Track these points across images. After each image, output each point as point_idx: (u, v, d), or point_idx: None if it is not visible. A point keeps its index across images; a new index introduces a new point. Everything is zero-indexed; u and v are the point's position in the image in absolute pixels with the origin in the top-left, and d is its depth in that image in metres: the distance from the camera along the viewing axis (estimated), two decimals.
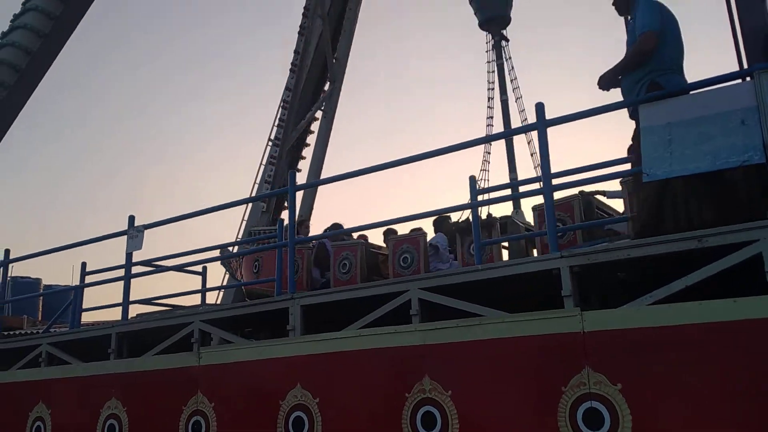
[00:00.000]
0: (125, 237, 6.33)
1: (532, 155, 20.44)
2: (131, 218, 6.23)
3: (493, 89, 21.20)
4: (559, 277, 4.03)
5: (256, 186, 12.88)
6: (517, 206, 11.29)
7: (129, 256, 6.19)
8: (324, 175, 13.20)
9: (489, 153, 21.54)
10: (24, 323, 14.67)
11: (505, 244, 6.86)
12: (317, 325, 5.05)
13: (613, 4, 4.66)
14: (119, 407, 5.54)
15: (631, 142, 4.40)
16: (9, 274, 8.06)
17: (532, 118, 4.43)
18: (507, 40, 19.45)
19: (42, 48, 12.31)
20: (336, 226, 7.41)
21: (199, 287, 7.52)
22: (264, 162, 13.41)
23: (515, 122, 20.50)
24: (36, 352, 6.55)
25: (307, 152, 13.60)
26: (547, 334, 3.92)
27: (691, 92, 3.95)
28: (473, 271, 4.41)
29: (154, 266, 7.17)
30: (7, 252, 7.38)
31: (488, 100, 21.24)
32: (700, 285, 3.64)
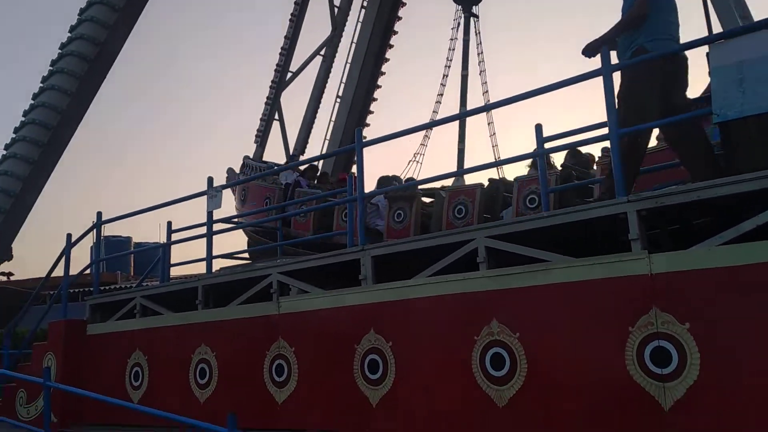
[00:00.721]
0: (206, 197, 6.71)
1: (492, 135, 18.78)
2: (210, 179, 6.60)
3: (449, 67, 18.81)
4: (625, 221, 4.06)
5: (325, 146, 13.31)
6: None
7: (210, 214, 6.58)
8: (320, 114, 13.90)
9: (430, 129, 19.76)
10: (118, 278, 15.77)
11: None
12: (388, 275, 5.28)
13: None
14: (209, 353, 6.00)
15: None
16: (102, 234, 8.66)
17: (494, 94, 4.44)
18: (476, 17, 17.99)
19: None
20: (384, 180, 7.81)
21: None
22: (333, 119, 13.76)
23: (475, 98, 18.46)
24: (131, 305, 7.11)
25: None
26: (614, 277, 3.98)
27: (761, 30, 3.83)
28: (539, 218, 4.48)
29: (233, 223, 7.59)
30: (99, 214, 7.96)
31: (443, 78, 18.88)
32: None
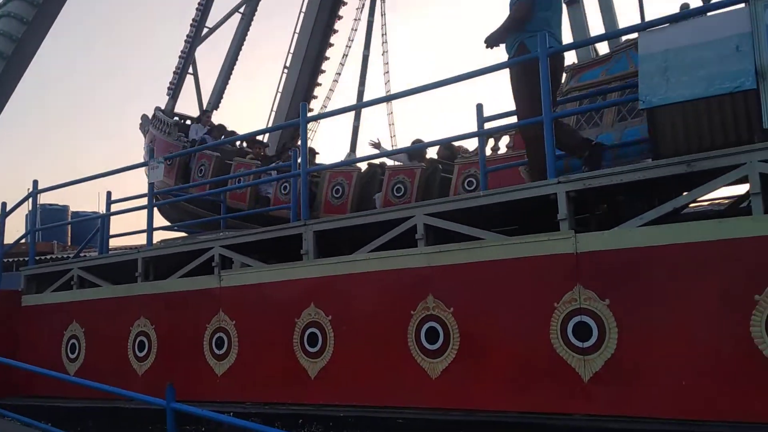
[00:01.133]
0: (145, 168, 6.61)
1: (390, 126, 18.50)
2: (151, 150, 6.50)
3: (350, 47, 17.17)
4: (556, 201, 4.23)
5: (271, 118, 13.20)
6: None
7: (151, 185, 6.49)
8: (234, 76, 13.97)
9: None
10: (54, 248, 15.32)
11: None
12: (328, 250, 5.36)
13: None
14: (147, 325, 5.98)
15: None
16: (38, 203, 8.42)
17: (394, 76, 4.60)
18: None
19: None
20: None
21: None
22: (280, 90, 13.64)
23: (375, 80, 17.56)
24: (68, 276, 6.98)
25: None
26: (543, 255, 4.16)
27: (689, 19, 4.01)
28: (475, 197, 4.62)
29: (173, 195, 7.50)
30: (35, 183, 7.72)
31: (342, 57, 17.29)
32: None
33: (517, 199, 4.43)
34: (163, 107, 12.70)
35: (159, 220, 8.05)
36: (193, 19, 13.41)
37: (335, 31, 13.70)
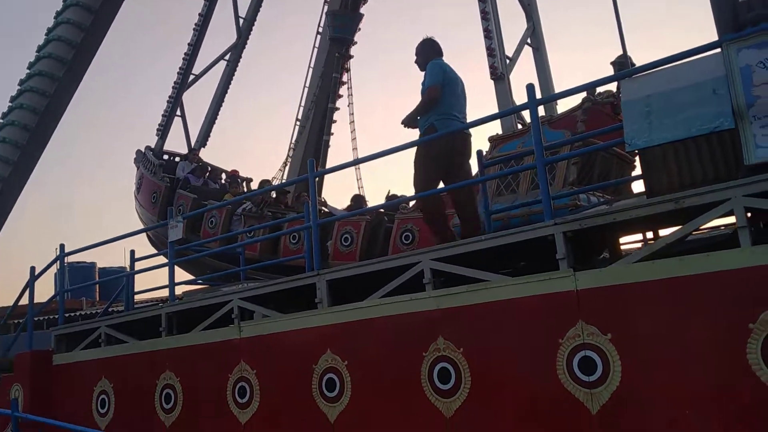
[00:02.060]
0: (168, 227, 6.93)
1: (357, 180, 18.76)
2: (170, 210, 6.83)
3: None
4: (554, 242, 4.44)
5: (287, 170, 13.76)
6: None
7: (171, 244, 6.80)
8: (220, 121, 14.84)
9: None
10: (83, 305, 15.73)
11: None
12: (343, 296, 5.58)
13: (416, 62, 5.86)
14: (173, 378, 6.21)
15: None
16: (65, 263, 8.78)
17: (360, 126, 4.97)
18: (351, 57, 18.13)
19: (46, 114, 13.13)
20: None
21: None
22: (293, 142, 14.16)
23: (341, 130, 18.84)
24: (96, 334, 7.27)
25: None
26: (545, 294, 4.35)
27: (668, 66, 4.26)
28: (477, 241, 4.84)
29: (195, 250, 7.81)
30: (62, 246, 8.10)
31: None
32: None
33: (519, 241, 4.64)
34: (153, 146, 13.53)
35: (179, 276, 8.32)
36: (180, 68, 14.35)
37: (343, 83, 14.23)
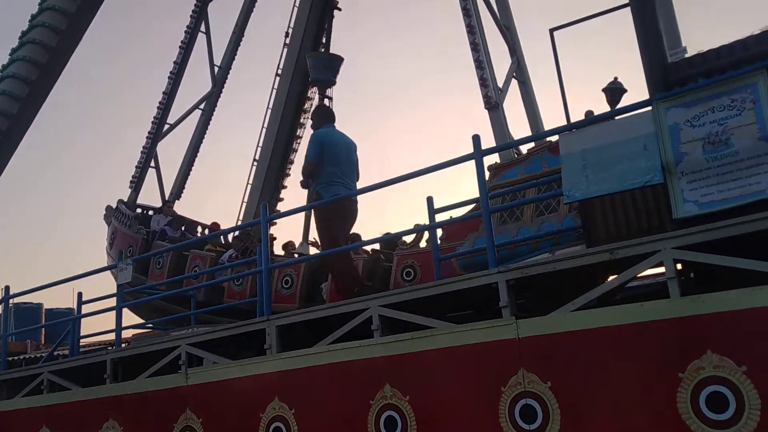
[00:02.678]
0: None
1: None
2: (120, 252, 6.75)
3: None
4: (497, 290, 4.54)
5: (242, 211, 13.73)
6: None
7: (120, 287, 6.70)
8: (196, 169, 14.75)
9: None
10: (27, 347, 15.19)
11: None
12: (295, 340, 5.56)
13: (311, 127, 6.41)
14: (116, 427, 6.04)
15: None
16: (10, 304, 8.54)
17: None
18: (330, 99, 19.09)
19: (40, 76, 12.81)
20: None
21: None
22: (250, 182, 14.13)
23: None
24: (38, 380, 7.05)
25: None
26: (488, 341, 4.43)
27: (602, 122, 4.48)
28: (424, 288, 4.92)
29: (146, 293, 7.70)
30: (7, 288, 7.89)
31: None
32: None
33: (463, 289, 4.73)
34: (126, 199, 13.18)
35: (129, 319, 8.17)
36: (155, 117, 14.19)
37: (302, 126, 14.35)
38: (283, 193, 14.14)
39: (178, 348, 6.00)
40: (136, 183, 13.66)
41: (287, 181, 14.27)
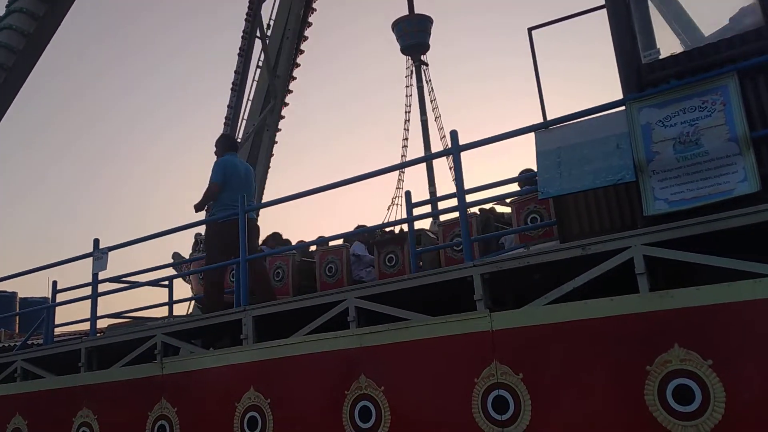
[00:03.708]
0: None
1: (450, 168, 21.18)
2: (96, 241, 6.71)
3: (409, 112, 22.15)
4: (472, 283, 4.62)
5: None
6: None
7: (95, 276, 6.66)
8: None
9: (404, 172, 22.25)
10: (1, 336, 15.01)
11: None
12: (271, 331, 5.59)
13: (215, 153, 6.95)
14: (90, 416, 6.02)
15: None
16: None
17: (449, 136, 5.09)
18: (426, 65, 19.92)
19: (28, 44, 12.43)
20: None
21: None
22: None
23: (434, 140, 21.24)
24: (11, 368, 6.98)
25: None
26: (462, 334, 4.50)
27: (577, 120, 4.56)
28: (400, 280, 4.98)
29: (124, 282, 7.64)
30: None
31: (405, 123, 22.33)
32: (601, 281, 4.25)
33: (439, 281, 4.80)
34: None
35: (104, 308, 8.10)
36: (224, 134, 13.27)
37: (282, 117, 14.30)
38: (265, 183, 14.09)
39: (154, 337, 5.99)
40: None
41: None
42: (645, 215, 4.15)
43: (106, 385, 6.04)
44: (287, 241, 8.72)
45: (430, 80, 21.54)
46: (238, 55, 13.82)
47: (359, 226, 7.93)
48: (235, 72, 13.71)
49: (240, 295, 5.82)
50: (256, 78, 13.87)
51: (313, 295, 5.49)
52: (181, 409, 5.54)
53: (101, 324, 8.33)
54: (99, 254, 6.49)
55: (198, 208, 6.60)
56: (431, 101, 21.55)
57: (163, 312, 8.74)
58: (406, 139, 22.30)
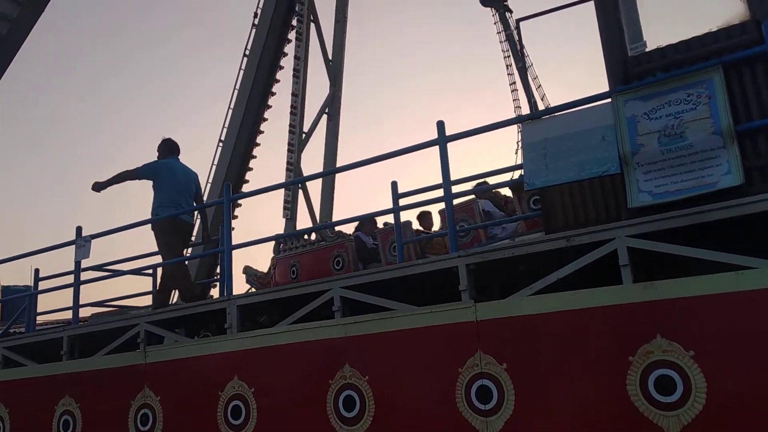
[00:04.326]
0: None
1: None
2: (78, 229, 6.64)
3: (509, 56, 21.97)
4: (457, 274, 4.63)
5: (207, 191, 13.35)
6: None
7: (77, 264, 6.60)
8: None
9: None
10: None
11: None
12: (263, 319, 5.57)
13: (158, 157, 7.03)
14: (72, 404, 5.98)
15: None
16: None
17: (546, 85, 5.08)
18: (511, 12, 19.62)
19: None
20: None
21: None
22: (215, 163, 13.89)
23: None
24: None
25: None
26: (447, 324, 4.51)
27: (562, 112, 4.57)
28: (385, 270, 4.98)
29: (107, 271, 7.59)
30: None
31: (507, 68, 22.23)
32: (586, 272, 4.27)
33: (424, 272, 4.80)
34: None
35: (87, 297, 8.03)
36: (291, 125, 12.96)
37: (269, 107, 14.20)
38: (249, 175, 13.98)
39: (137, 326, 5.95)
40: (291, 209, 12.39)
41: (252, 163, 14.14)
42: (629, 207, 4.17)
43: (88, 374, 6.00)
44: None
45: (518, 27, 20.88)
46: (296, 39, 13.43)
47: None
48: (296, 57, 13.28)
49: (225, 285, 5.79)
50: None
51: (298, 285, 5.48)
52: (164, 397, 5.52)
53: (84, 312, 8.27)
54: (82, 242, 6.43)
55: (98, 187, 6.78)
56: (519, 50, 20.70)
57: (146, 301, 8.70)
58: (513, 83, 21.52)
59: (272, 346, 5.16)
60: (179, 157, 7.04)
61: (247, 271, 8.98)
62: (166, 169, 6.77)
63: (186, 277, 6.84)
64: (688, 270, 4.02)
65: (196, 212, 7.19)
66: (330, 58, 13.99)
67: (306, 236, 8.67)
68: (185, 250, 7.03)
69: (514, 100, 21.51)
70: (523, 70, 21.33)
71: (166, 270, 6.77)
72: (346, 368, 4.79)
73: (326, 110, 13.83)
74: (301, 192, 13.18)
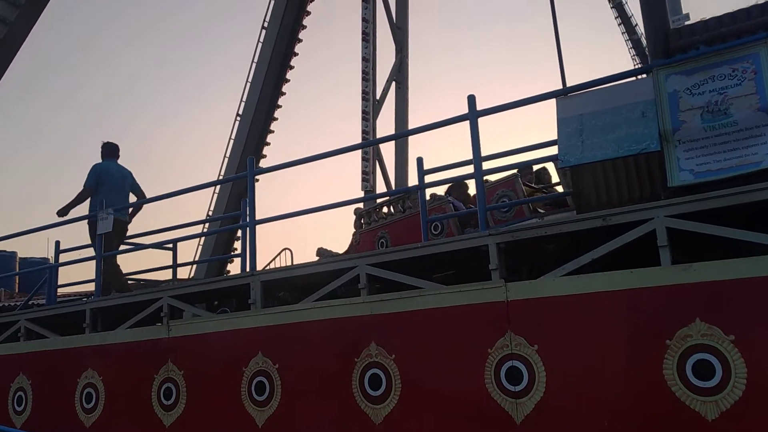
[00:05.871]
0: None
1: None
2: (101, 202, 6.60)
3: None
4: (488, 252, 4.52)
5: (224, 166, 13.32)
6: None
7: (100, 237, 6.56)
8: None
9: None
10: (1, 296, 14.99)
11: None
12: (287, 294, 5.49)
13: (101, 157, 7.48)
14: (95, 377, 5.99)
15: None
16: None
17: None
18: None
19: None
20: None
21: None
22: (233, 137, 13.81)
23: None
24: (15, 327, 6.93)
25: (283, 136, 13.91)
26: (476, 304, 4.42)
27: (600, 87, 4.41)
28: (413, 248, 4.88)
29: (129, 244, 7.57)
30: None
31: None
32: (618, 255, 4.15)
33: (453, 250, 4.71)
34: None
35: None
36: (363, 91, 12.61)
37: (287, 80, 14.04)
38: (266, 150, 13.87)
39: (160, 300, 5.92)
40: (370, 180, 12.06)
41: (270, 138, 14.02)
42: (669, 186, 4.04)
43: (111, 347, 6.00)
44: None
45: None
46: (363, 0, 12.95)
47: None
48: (364, 20, 12.76)
49: (246, 260, 5.73)
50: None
51: (323, 261, 5.42)
52: (188, 372, 5.50)
53: None
54: (104, 215, 6.39)
55: (62, 212, 7.11)
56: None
57: (167, 275, 8.69)
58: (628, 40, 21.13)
59: (297, 323, 5.10)
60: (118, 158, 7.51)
61: (322, 252, 8.84)
62: (104, 173, 7.22)
63: (117, 273, 7.19)
64: (727, 252, 3.89)
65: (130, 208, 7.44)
66: (396, 23, 13.57)
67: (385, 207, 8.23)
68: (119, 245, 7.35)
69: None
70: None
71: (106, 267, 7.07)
72: (372, 346, 4.73)
73: (395, 78, 13.43)
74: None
